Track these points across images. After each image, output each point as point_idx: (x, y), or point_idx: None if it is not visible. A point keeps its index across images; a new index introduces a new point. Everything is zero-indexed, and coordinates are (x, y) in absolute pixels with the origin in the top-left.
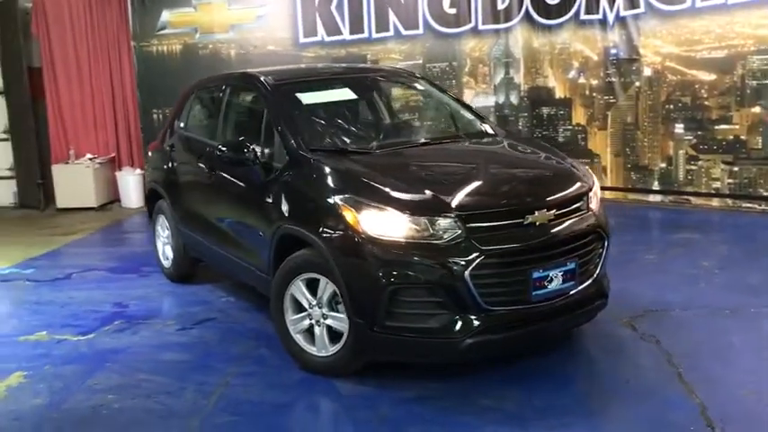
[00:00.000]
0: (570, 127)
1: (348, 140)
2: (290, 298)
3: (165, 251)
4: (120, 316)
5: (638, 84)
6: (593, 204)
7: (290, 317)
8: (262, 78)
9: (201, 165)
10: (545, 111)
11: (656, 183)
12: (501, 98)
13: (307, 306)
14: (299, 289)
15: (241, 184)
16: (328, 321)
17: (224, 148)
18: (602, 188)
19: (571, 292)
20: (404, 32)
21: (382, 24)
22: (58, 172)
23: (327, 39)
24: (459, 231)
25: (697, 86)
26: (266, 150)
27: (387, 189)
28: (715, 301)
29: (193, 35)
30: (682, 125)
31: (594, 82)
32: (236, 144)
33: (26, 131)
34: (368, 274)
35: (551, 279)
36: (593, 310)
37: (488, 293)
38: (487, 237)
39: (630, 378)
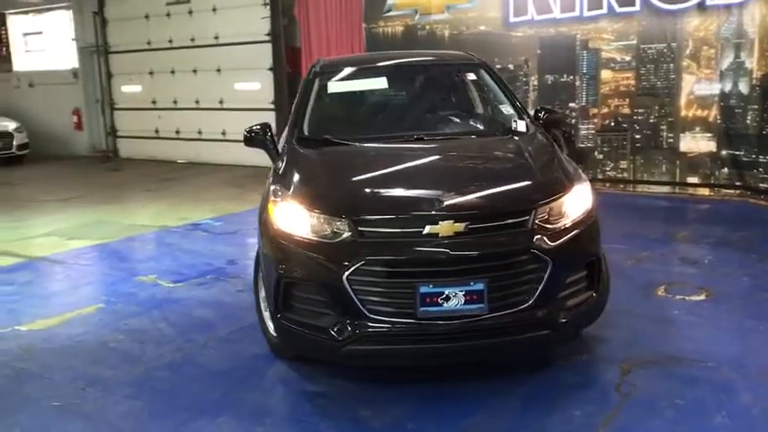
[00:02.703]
0: None
1: (345, 130)
2: (261, 278)
3: None
4: (217, 271)
5: None
6: (557, 222)
7: (261, 295)
8: (315, 64)
9: None
10: None
11: None
12: (727, 86)
13: None
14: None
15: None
16: None
17: (257, 129)
18: None
19: (485, 316)
20: (618, 10)
21: (595, 1)
22: None
23: (537, 17)
24: (350, 233)
25: None
26: (282, 135)
27: (308, 184)
28: None
29: (413, 16)
30: None
31: None
32: (263, 126)
33: (283, 102)
34: (271, 266)
35: (448, 297)
36: (527, 342)
37: (370, 301)
38: (378, 242)
39: (533, 425)
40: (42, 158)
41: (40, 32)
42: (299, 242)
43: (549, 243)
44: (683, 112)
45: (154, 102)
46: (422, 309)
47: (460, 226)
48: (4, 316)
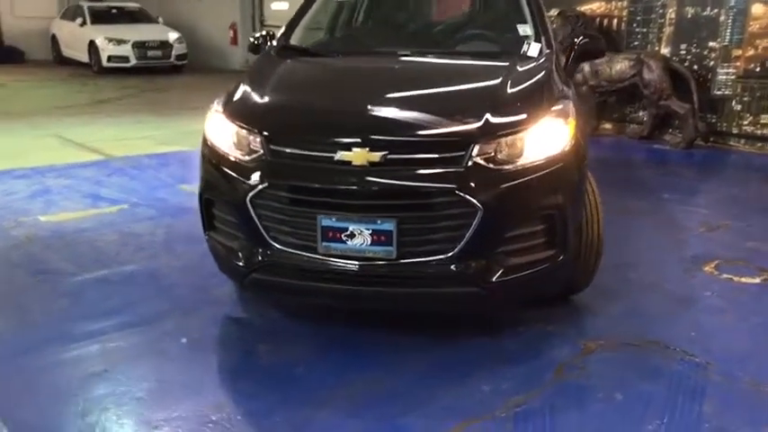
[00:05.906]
0: None
1: (335, 42)
2: None
3: None
4: None
5: None
6: (509, 163)
7: None
8: None
9: None
10: None
11: None
12: None
13: None
14: None
15: None
16: None
17: (261, 36)
18: None
19: (398, 260)
20: None
21: None
22: None
23: None
24: (262, 152)
25: None
26: None
27: (245, 95)
28: None
29: None
30: None
31: None
32: (266, 34)
33: None
34: (199, 180)
35: (353, 234)
36: (448, 297)
37: (274, 229)
38: (287, 165)
39: (421, 394)
40: (200, 69)
41: None
42: (220, 156)
43: (485, 186)
44: None
45: None
46: (323, 243)
47: (376, 155)
48: (38, 206)
